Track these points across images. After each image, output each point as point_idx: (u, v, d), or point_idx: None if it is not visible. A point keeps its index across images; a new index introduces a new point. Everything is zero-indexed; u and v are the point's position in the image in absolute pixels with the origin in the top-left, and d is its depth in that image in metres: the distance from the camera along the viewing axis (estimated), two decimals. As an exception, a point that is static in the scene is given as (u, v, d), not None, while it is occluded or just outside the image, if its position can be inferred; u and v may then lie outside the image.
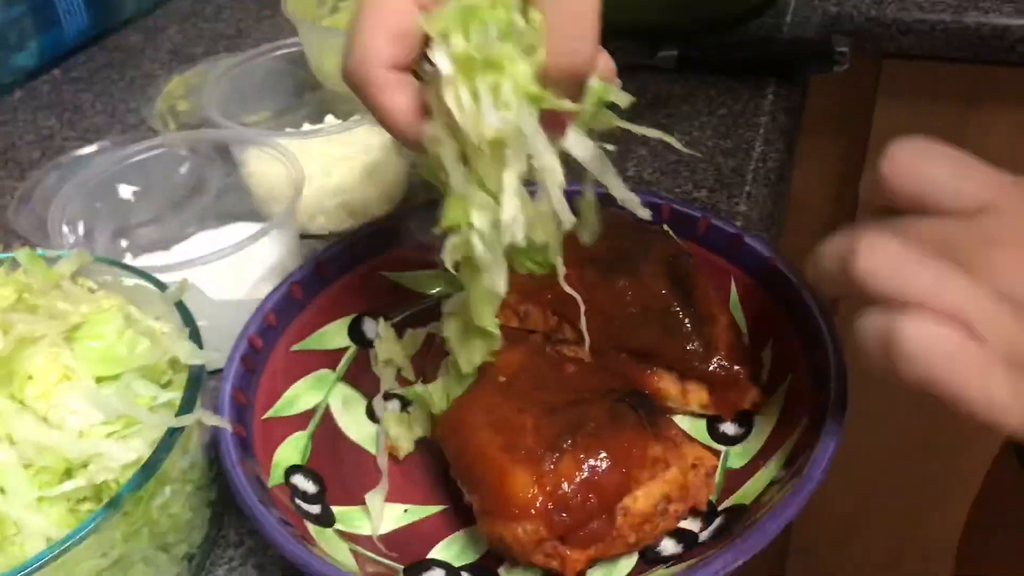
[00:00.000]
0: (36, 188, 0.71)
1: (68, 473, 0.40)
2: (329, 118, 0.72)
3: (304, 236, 0.66)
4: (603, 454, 0.42)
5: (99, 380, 0.42)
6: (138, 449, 0.40)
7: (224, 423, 0.44)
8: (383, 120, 0.40)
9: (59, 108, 0.83)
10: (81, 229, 0.57)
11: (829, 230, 0.37)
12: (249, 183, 0.65)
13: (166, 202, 0.65)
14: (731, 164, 0.71)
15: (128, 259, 0.61)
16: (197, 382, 0.43)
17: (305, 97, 0.75)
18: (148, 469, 0.39)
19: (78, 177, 0.58)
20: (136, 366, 0.42)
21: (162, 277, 0.48)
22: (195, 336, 0.45)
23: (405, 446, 0.51)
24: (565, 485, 0.42)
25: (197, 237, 0.63)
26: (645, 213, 0.43)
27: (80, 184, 0.57)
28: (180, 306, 0.46)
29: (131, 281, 0.49)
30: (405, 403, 0.53)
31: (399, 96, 0.39)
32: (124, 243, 0.61)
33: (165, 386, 0.44)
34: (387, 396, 0.53)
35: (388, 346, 0.55)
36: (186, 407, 0.42)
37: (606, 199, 0.43)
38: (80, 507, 0.40)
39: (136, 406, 0.41)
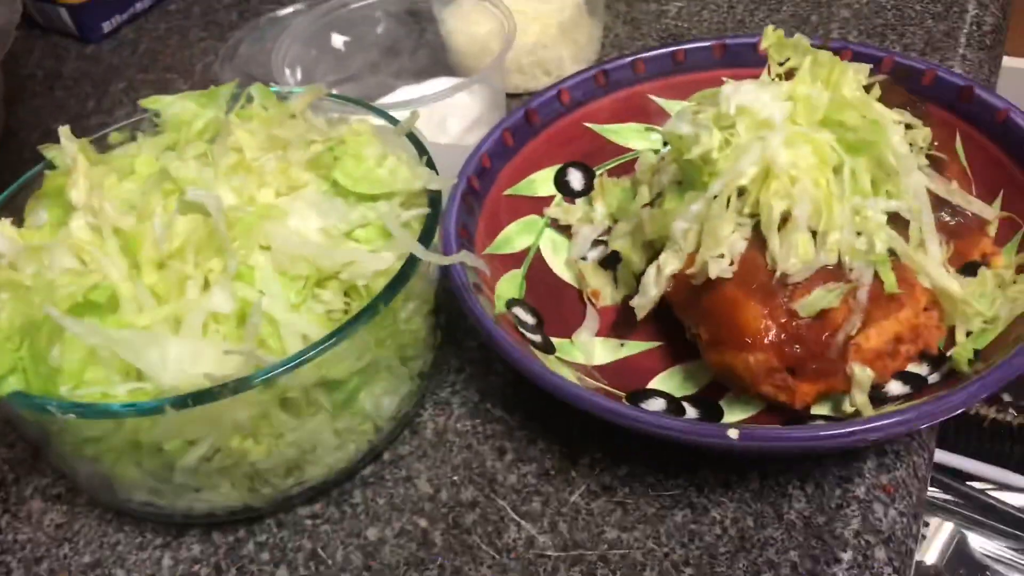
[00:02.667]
0: (239, 46, 0.74)
1: (320, 283, 0.43)
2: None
3: (500, 93, 0.66)
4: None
5: (359, 198, 0.44)
6: (388, 260, 0.42)
7: (472, 259, 0.45)
8: None
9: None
10: (299, 75, 0.59)
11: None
12: (449, 40, 0.66)
13: (364, 62, 0.67)
14: (942, 27, 0.67)
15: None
16: (437, 205, 0.45)
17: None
18: (401, 278, 0.41)
19: (294, 27, 0.60)
20: (398, 190, 0.44)
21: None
22: (431, 164, 0.46)
23: (608, 294, 0.52)
24: (798, 318, 0.42)
25: (400, 91, 0.64)
26: None
27: (297, 33, 0.59)
28: (412, 137, 0.48)
29: (360, 117, 0.50)
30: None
31: None
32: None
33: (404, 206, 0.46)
34: (594, 243, 0.54)
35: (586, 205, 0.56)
36: (429, 227, 0.43)
37: None
38: (333, 316, 0.43)
39: (397, 222, 0.42)
